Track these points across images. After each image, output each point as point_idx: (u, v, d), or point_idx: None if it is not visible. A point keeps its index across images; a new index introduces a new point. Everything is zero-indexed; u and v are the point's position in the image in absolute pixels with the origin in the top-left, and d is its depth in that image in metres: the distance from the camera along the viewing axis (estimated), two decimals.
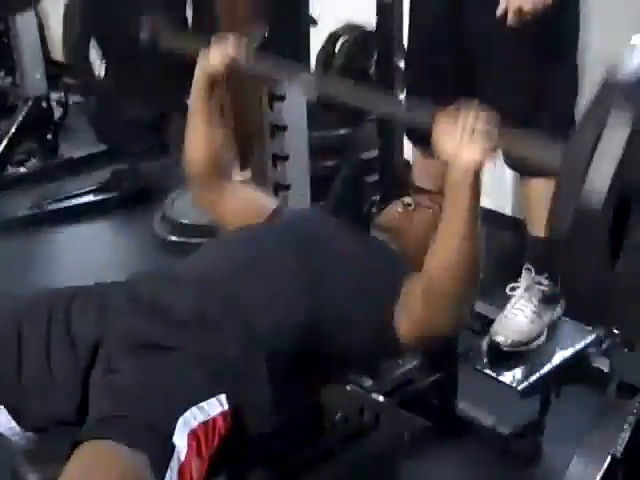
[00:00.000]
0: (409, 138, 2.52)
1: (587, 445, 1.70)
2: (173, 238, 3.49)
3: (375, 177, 2.88)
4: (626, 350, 1.66)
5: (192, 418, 1.38)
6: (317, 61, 2.83)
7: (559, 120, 2.13)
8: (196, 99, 1.84)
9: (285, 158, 2.44)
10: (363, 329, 1.64)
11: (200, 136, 1.85)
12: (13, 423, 1.55)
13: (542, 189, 2.16)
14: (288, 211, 1.97)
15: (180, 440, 1.35)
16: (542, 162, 1.39)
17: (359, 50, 2.84)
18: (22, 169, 4.11)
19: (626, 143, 1.03)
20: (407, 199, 1.94)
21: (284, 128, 2.42)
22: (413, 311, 1.57)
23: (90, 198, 3.91)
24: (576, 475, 1.68)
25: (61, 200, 3.87)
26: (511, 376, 2.02)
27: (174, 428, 1.35)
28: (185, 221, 3.49)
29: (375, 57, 2.66)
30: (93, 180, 4.01)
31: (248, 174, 3.93)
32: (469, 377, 2.21)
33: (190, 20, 2.31)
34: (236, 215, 1.87)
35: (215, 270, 1.70)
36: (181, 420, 1.36)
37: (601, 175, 1.05)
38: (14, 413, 1.55)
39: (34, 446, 1.55)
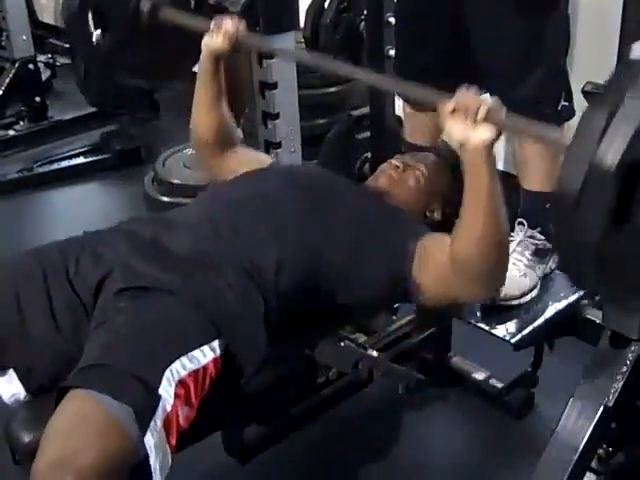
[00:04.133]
0: (400, 95, 2.50)
1: (579, 396, 1.70)
2: (164, 198, 3.45)
3: (366, 134, 2.87)
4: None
5: (181, 368, 1.39)
6: (306, 17, 2.80)
7: (551, 72, 2.11)
8: (203, 75, 1.97)
9: (275, 116, 2.41)
10: (368, 279, 1.67)
11: (207, 109, 1.97)
12: (19, 389, 1.54)
13: (533, 143, 2.15)
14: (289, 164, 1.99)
15: (166, 391, 1.35)
16: (546, 139, 1.45)
17: (349, 5, 2.80)
18: (11, 132, 4.06)
19: None
20: (395, 161, 1.94)
21: (274, 86, 2.39)
22: (440, 275, 1.61)
23: (80, 160, 3.90)
24: (568, 425, 1.68)
25: (51, 162, 3.85)
26: (504, 329, 2.02)
27: (161, 379, 1.35)
28: (176, 181, 3.46)
29: (365, 12, 2.63)
30: (83, 142, 3.99)
31: (239, 132, 3.92)
32: (462, 331, 2.21)
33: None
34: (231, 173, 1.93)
35: (216, 214, 1.71)
36: (168, 371, 1.37)
37: (619, 138, 1.09)
38: (24, 375, 1.53)
39: (30, 407, 1.54)
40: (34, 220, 3.58)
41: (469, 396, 2.30)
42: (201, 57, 1.96)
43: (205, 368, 1.43)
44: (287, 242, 1.65)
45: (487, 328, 2.03)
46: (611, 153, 1.09)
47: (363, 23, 2.71)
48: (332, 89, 3.47)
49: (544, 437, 1.70)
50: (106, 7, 2.18)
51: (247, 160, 1.97)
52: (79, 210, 3.63)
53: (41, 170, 3.81)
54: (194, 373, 1.41)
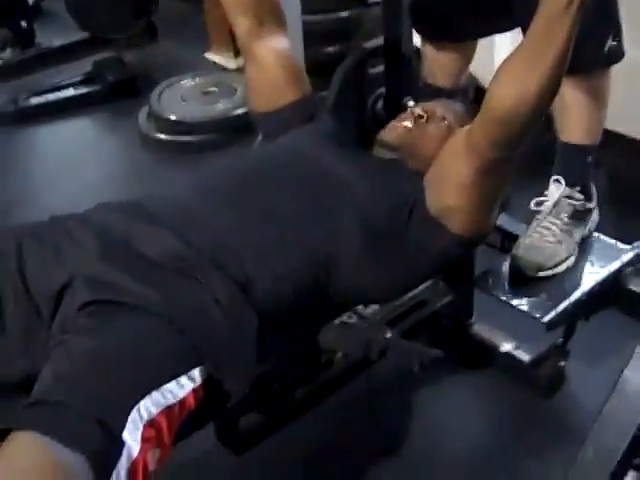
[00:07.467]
0: (418, 30, 2.23)
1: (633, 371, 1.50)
2: (160, 136, 3.27)
3: (381, 68, 2.61)
4: None
5: (152, 406, 1.16)
6: None
7: (596, 6, 1.83)
8: None
9: None
10: (383, 263, 1.49)
11: None
12: None
13: (575, 88, 1.88)
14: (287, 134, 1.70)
15: (132, 435, 1.12)
16: None
17: None
18: None
19: None
20: (418, 110, 1.67)
21: None
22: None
23: (70, 92, 3.69)
24: (615, 409, 1.47)
25: (39, 94, 3.65)
26: (535, 305, 1.79)
27: (125, 421, 1.11)
28: (173, 117, 3.26)
29: None
30: (74, 72, 3.77)
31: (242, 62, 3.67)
32: (487, 303, 1.98)
33: None
34: (264, 69, 1.71)
35: (205, 208, 1.44)
36: (135, 412, 1.13)
37: None
38: None
39: None
40: (22, 157, 3.35)
41: (492, 371, 2.07)
42: None
43: (182, 402, 1.20)
44: (288, 249, 1.41)
45: (515, 304, 1.80)
46: None
47: None
48: (343, 14, 3.21)
49: (576, 418, 1.50)
50: None
51: (286, 65, 1.72)
52: (69, 147, 3.43)
53: (28, 103, 3.60)
54: (168, 410, 1.18)
